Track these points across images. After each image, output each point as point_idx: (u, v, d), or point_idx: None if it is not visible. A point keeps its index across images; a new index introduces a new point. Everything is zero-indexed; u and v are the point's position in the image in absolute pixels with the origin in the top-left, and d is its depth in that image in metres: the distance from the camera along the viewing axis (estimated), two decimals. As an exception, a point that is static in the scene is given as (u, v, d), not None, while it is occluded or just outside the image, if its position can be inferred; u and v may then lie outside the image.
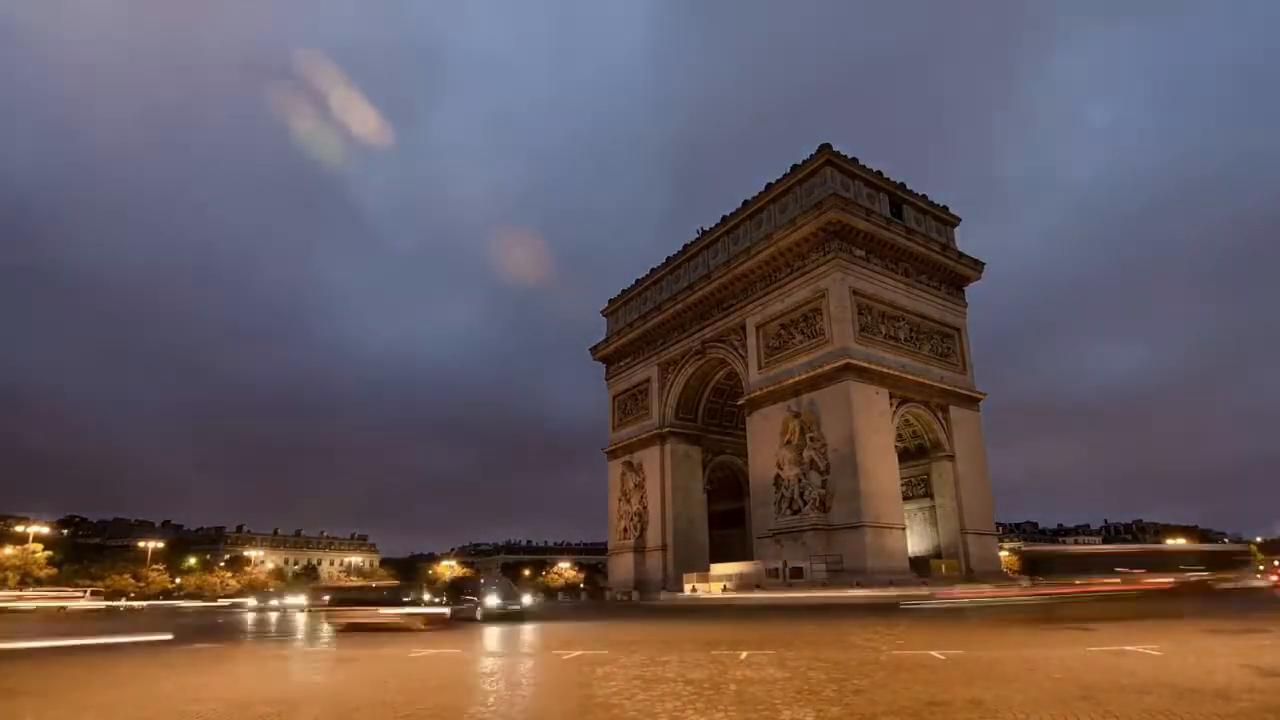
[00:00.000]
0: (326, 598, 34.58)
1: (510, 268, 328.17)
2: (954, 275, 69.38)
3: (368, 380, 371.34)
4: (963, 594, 37.02)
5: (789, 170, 67.05)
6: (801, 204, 64.12)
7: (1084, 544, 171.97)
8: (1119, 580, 29.25)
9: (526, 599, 43.39)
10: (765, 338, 66.74)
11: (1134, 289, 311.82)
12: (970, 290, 71.54)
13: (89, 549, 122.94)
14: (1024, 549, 76.02)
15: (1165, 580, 30.05)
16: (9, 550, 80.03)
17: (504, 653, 16.63)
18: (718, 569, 63.25)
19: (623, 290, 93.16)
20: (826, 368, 58.67)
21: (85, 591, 65.78)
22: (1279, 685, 8.96)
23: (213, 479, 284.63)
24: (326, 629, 27.77)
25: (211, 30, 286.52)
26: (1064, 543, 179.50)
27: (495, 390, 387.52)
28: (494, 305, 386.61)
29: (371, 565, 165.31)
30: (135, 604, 77.07)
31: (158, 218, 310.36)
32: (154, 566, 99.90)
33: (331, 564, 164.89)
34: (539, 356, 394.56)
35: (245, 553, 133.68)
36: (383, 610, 25.81)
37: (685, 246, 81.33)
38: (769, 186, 69.13)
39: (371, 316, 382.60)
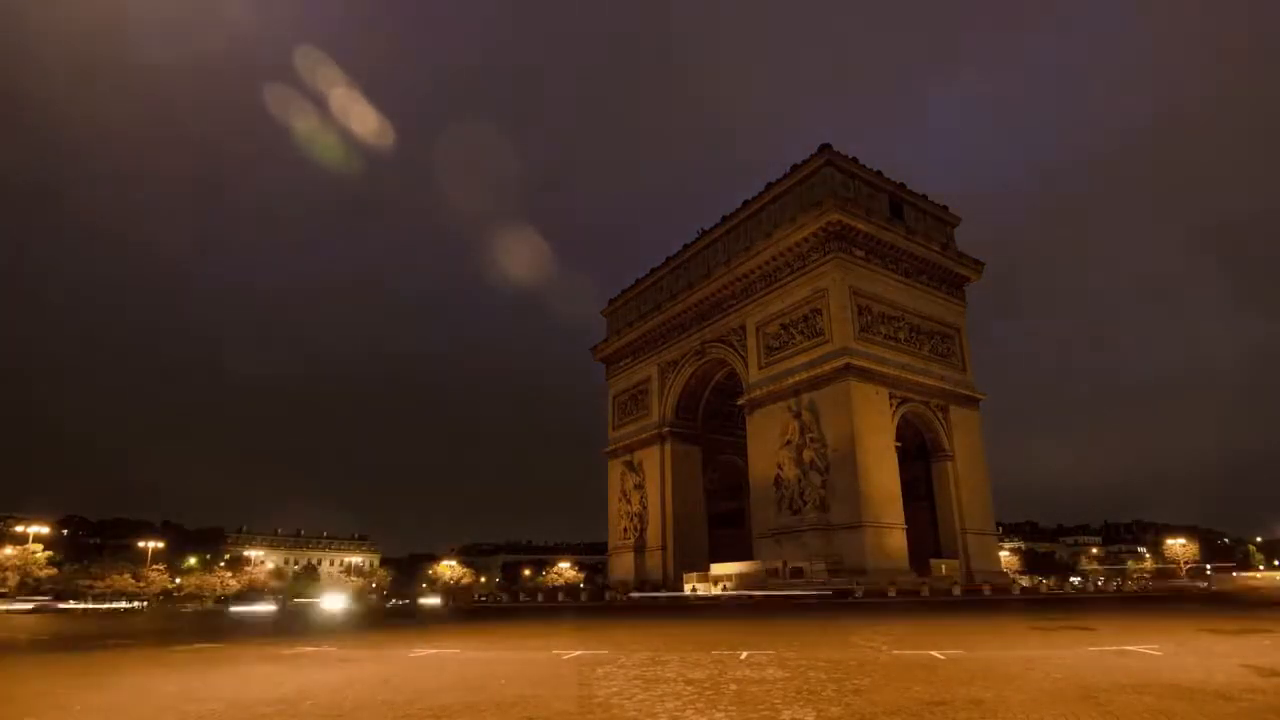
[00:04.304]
0: None
1: (513, 266, 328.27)
2: (953, 275, 69.37)
3: (366, 375, 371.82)
4: None
5: (789, 170, 67.01)
6: (802, 204, 64.06)
7: (1084, 544, 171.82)
8: None
9: None
10: (765, 337, 66.70)
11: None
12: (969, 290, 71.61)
13: (89, 549, 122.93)
14: None
15: None
16: (9, 550, 79.97)
17: (505, 652, 16.62)
18: (718, 569, 63.20)
19: (623, 290, 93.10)
20: (826, 367, 58.64)
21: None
22: (1279, 685, 8.96)
23: (213, 479, 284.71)
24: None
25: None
26: (1064, 543, 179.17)
27: (496, 390, 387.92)
28: (496, 303, 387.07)
29: (371, 565, 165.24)
30: (135, 604, 76.96)
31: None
32: (154, 566, 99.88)
33: (332, 564, 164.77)
34: (539, 355, 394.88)
35: (245, 553, 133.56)
36: None
37: (685, 246, 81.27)
38: (769, 186, 69.10)
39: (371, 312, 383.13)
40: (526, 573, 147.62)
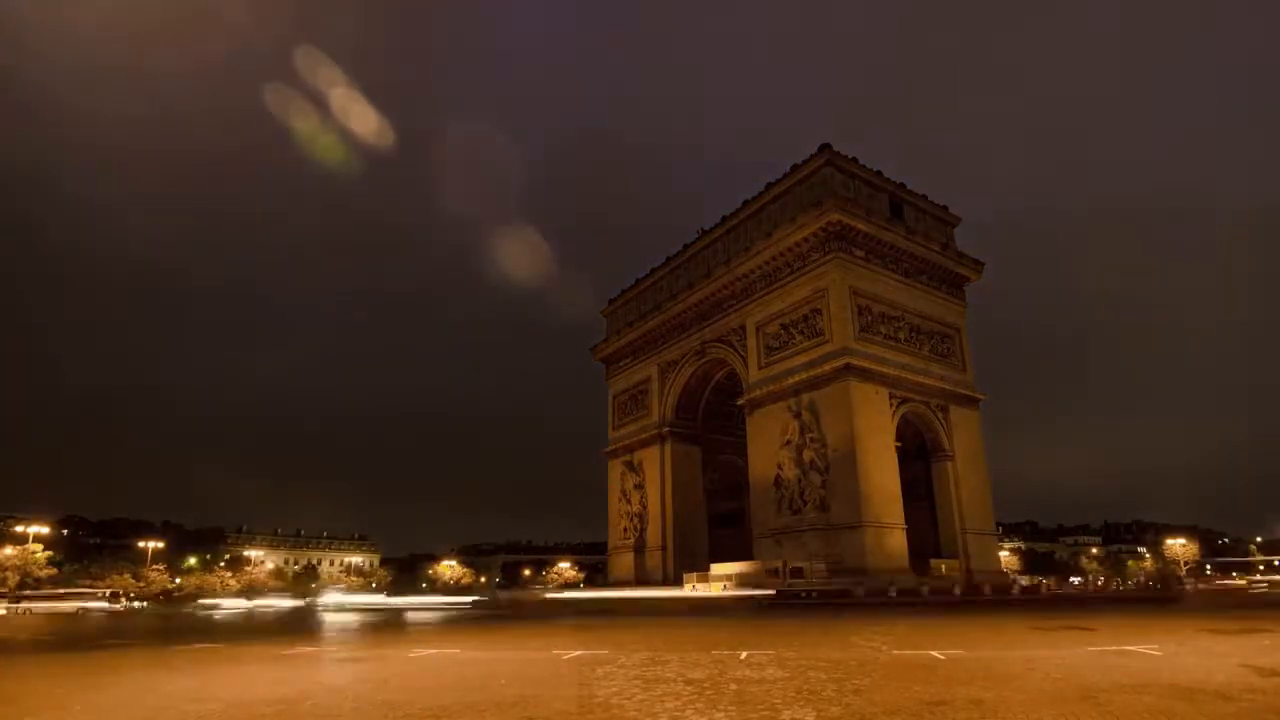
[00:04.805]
0: None
1: (512, 266, 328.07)
2: (953, 275, 69.36)
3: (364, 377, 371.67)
4: None
5: (789, 170, 66.96)
6: (802, 204, 64.02)
7: (1084, 544, 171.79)
8: None
9: None
10: (765, 337, 66.70)
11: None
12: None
13: (89, 549, 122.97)
14: None
15: None
16: (9, 550, 79.95)
17: (505, 652, 16.62)
18: (718, 569, 63.19)
19: (622, 290, 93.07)
20: (826, 367, 58.64)
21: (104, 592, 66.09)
22: (1279, 685, 8.96)
23: (213, 479, 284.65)
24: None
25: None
26: (1064, 543, 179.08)
27: (497, 390, 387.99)
28: (495, 303, 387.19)
29: (372, 565, 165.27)
30: (136, 604, 76.92)
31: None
32: (154, 566, 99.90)
33: (332, 564, 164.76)
34: (540, 356, 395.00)
35: (245, 553, 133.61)
36: None
37: (685, 246, 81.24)
38: (769, 186, 69.07)
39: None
40: (526, 573, 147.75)
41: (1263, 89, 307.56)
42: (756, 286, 68.57)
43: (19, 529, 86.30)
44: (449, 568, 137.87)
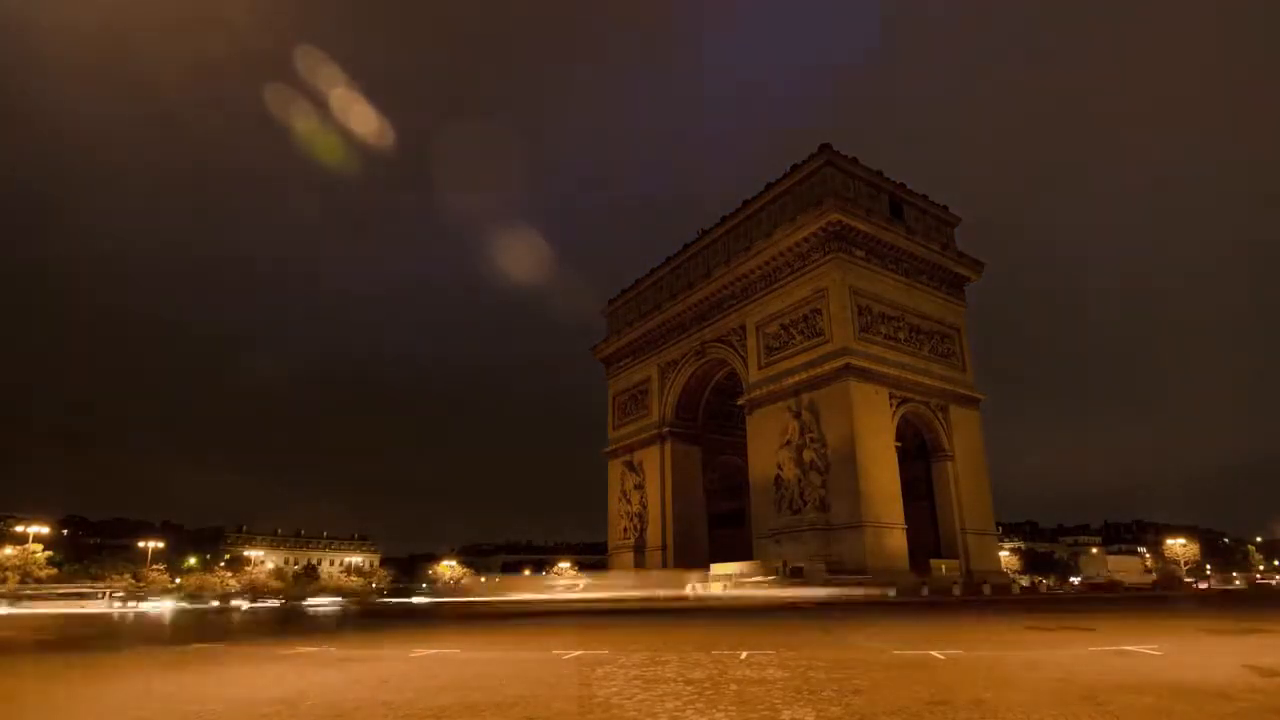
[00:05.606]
0: None
1: (514, 266, 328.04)
2: (954, 275, 69.38)
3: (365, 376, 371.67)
4: None
5: (789, 170, 66.96)
6: (802, 204, 64.03)
7: (1084, 544, 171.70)
8: None
9: None
10: (765, 337, 66.71)
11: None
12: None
13: (89, 549, 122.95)
14: None
15: None
16: (9, 550, 79.94)
17: (504, 652, 16.61)
18: (718, 569, 63.16)
19: (623, 290, 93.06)
20: (826, 367, 58.65)
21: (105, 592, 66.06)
22: (1279, 685, 8.96)
23: (213, 479, 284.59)
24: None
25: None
26: (1064, 543, 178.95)
27: (497, 390, 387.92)
28: (496, 303, 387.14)
29: (372, 565, 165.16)
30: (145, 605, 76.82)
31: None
32: (154, 566, 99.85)
33: (332, 564, 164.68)
34: (538, 355, 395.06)
35: (245, 552, 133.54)
36: None
37: (685, 246, 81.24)
38: (769, 186, 69.07)
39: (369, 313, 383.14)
40: (526, 573, 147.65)
41: (1264, 85, 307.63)
42: (756, 286, 68.57)
43: (19, 529, 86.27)
44: (449, 568, 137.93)
